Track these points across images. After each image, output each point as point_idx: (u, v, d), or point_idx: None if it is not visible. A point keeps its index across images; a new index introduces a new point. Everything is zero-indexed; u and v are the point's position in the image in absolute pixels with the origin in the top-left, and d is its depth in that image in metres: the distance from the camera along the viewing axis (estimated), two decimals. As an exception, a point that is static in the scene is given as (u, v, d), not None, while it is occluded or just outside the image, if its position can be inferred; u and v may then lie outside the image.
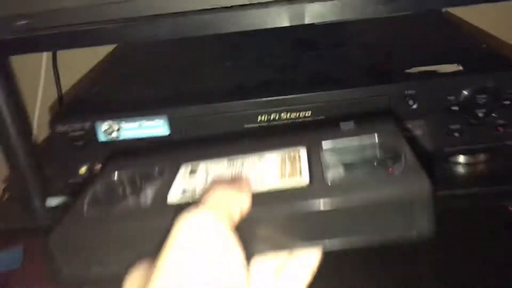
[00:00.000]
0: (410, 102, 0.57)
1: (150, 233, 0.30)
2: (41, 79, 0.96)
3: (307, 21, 0.50)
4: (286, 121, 0.58)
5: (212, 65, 0.73)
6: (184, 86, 0.65)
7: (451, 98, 0.57)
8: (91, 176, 0.53)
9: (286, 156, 0.36)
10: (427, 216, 0.30)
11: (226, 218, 0.27)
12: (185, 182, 0.35)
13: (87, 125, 0.59)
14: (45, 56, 0.94)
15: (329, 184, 0.32)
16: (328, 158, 0.36)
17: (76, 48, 0.55)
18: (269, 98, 0.58)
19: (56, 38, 0.53)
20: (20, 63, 0.60)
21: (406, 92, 0.57)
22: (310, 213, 0.30)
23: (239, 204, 0.29)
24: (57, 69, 0.99)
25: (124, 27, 0.51)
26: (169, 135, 0.59)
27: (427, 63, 0.60)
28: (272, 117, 0.58)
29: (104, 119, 0.58)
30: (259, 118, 0.58)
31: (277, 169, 0.35)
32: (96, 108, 0.62)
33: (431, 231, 0.30)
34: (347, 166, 0.35)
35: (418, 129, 0.59)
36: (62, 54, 0.97)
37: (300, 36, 0.86)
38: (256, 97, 0.58)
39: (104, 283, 0.33)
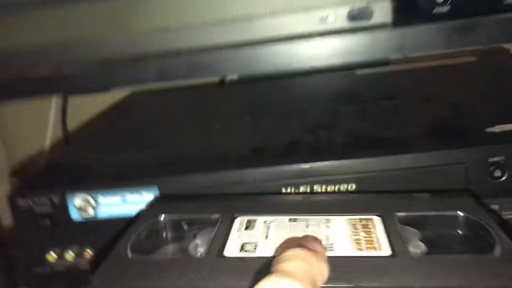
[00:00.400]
0: (497, 172, 0.41)
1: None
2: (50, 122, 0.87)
3: (358, 58, 0.36)
4: (320, 196, 0.43)
5: (225, 122, 0.59)
6: (186, 149, 0.51)
7: (557, 167, 0.40)
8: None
9: (358, 223, 0.34)
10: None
11: None
12: (242, 236, 0.33)
13: (55, 199, 0.45)
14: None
15: (416, 260, 0.29)
16: (405, 229, 0.33)
17: (37, 97, 0.41)
18: (298, 165, 0.42)
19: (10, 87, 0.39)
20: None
21: (490, 159, 0.40)
22: None
23: (320, 273, 0.26)
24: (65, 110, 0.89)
25: (101, 71, 0.38)
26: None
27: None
28: (300, 190, 0.43)
29: (76, 191, 0.44)
30: (282, 190, 0.43)
31: (349, 237, 0.32)
32: (68, 177, 0.48)
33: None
34: (428, 241, 0.33)
35: (508, 209, 0.42)
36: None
37: (339, 87, 0.71)
38: (280, 163, 0.42)
39: None
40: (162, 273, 0.29)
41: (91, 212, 0.44)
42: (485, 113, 0.49)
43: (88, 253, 0.46)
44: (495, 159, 0.40)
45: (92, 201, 0.44)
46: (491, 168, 0.40)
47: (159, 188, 0.43)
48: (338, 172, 0.42)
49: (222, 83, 0.93)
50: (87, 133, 0.67)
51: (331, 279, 0.26)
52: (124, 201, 0.44)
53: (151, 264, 0.31)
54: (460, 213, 0.34)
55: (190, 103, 0.75)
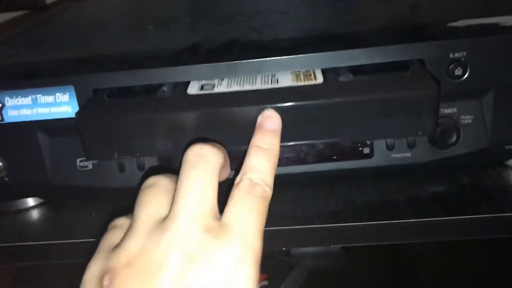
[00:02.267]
0: (457, 71, 0.36)
1: (172, 121, 0.34)
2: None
3: None
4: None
5: (162, 24, 0.52)
6: (111, 48, 0.44)
7: (522, 65, 0.36)
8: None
9: (301, 71, 0.37)
10: (432, 117, 0.34)
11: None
12: (201, 81, 0.37)
13: (-47, 100, 0.38)
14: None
15: (343, 83, 0.35)
16: (339, 69, 0.37)
17: None
18: (236, 62, 0.37)
19: None
20: None
21: (451, 55, 0.36)
22: (325, 107, 0.33)
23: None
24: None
25: None
26: (79, 116, 0.38)
27: (477, 16, 0.39)
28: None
29: (-22, 91, 0.38)
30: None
31: (291, 75, 0.37)
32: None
33: (433, 131, 0.35)
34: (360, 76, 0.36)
35: (466, 113, 0.38)
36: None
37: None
38: (216, 60, 0.37)
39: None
40: (137, 107, 0.35)
41: (-4, 115, 0.38)
42: (448, 11, 0.44)
43: (-2, 164, 0.40)
44: (456, 55, 0.36)
45: (-4, 103, 0.38)
46: (451, 65, 0.36)
47: (76, 88, 0.37)
48: (283, 69, 0.37)
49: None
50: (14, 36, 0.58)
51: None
52: (35, 102, 0.37)
53: (127, 103, 0.36)
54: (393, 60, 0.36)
55: (128, 9, 0.67)
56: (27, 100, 0.37)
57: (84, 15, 0.67)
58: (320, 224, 0.37)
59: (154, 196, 0.27)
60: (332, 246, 0.72)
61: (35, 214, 0.44)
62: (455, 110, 0.38)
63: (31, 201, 0.44)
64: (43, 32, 0.56)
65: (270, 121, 0.31)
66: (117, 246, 0.26)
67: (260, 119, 0.32)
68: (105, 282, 0.24)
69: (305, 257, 0.69)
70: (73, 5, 0.72)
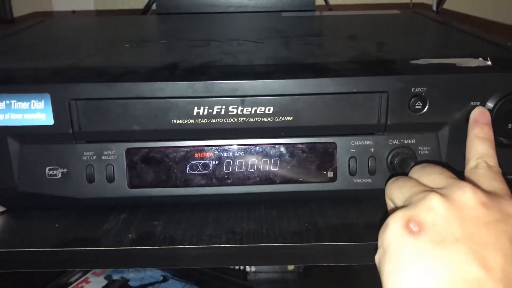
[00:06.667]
0: (417, 104, 0.39)
1: None
2: None
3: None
4: (235, 119, 0.39)
5: (138, 43, 0.53)
6: (90, 61, 0.45)
7: (475, 104, 0.40)
8: None
9: None
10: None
11: None
12: None
13: None
14: None
15: None
16: None
17: None
18: (213, 82, 0.38)
19: None
20: None
21: (413, 89, 0.39)
22: None
23: None
24: None
25: None
26: (53, 125, 0.38)
27: (437, 56, 0.43)
28: (215, 112, 0.39)
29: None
30: (195, 110, 0.39)
31: None
32: None
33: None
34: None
35: (424, 144, 0.41)
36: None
37: (264, 24, 0.68)
38: (194, 79, 0.38)
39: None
40: None
41: (-32, 118, 0.38)
42: (409, 50, 0.48)
43: (-36, 169, 0.39)
44: (418, 89, 0.39)
45: (-31, 106, 0.37)
46: (412, 99, 0.39)
47: (52, 97, 0.37)
48: (256, 92, 0.38)
49: (144, 12, 0.86)
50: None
51: None
52: (9, 108, 0.38)
53: None
54: None
55: (104, 27, 0.68)
56: (1, 105, 0.37)
57: (59, 29, 0.67)
58: (283, 243, 0.38)
59: None
60: (290, 269, 0.73)
61: (-5, 222, 0.43)
62: (413, 141, 0.41)
63: (-9, 209, 0.44)
64: (18, 43, 0.56)
65: (483, 116, 0.38)
66: None
67: (474, 116, 0.39)
68: None
69: (261, 283, 0.70)
70: (48, 19, 0.72)
